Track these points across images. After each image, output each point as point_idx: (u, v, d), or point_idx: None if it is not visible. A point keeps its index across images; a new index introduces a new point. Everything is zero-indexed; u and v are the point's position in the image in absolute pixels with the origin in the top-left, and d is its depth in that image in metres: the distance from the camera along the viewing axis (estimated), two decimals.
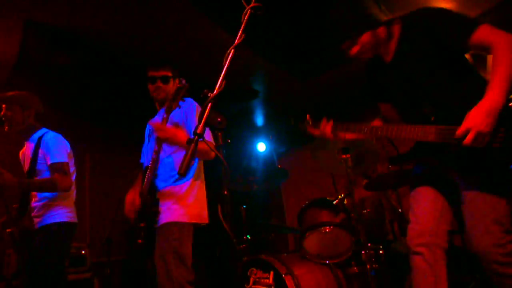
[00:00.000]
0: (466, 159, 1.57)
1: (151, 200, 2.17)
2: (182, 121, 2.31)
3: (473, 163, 1.56)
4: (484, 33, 1.54)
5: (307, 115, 2.07)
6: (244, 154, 6.18)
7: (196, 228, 2.26)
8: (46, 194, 2.54)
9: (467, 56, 1.73)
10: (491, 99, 1.45)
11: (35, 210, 2.53)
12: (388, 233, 3.52)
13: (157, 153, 2.19)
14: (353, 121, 1.95)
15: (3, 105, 2.58)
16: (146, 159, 2.48)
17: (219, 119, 0.95)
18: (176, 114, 2.33)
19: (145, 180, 2.17)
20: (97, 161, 4.95)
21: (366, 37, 1.79)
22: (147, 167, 2.24)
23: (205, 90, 1.16)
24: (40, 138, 2.59)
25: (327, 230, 2.88)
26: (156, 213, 2.19)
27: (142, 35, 3.52)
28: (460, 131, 1.50)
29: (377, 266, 2.70)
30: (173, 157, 2.32)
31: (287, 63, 4.34)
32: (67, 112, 4.53)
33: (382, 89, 1.93)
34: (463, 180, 1.68)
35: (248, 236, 3.27)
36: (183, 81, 2.16)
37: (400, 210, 3.24)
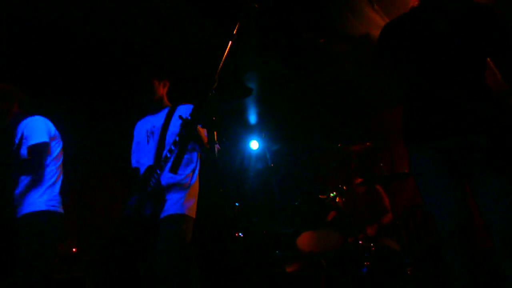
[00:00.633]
0: None
1: (156, 199, 2.22)
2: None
3: None
4: None
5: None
6: (237, 151, 6.18)
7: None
8: (24, 181, 2.42)
9: None
10: None
11: (15, 199, 2.42)
12: (380, 231, 3.55)
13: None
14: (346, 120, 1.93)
15: None
16: (146, 158, 2.47)
17: (214, 118, 0.96)
18: (174, 123, 2.38)
19: (153, 178, 2.23)
20: (88, 157, 4.91)
21: None
22: (150, 167, 2.28)
23: (201, 87, 1.16)
24: (25, 125, 2.51)
25: (319, 228, 2.90)
26: (159, 209, 2.22)
27: (133, 31, 3.49)
28: None
29: (368, 263, 2.72)
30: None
31: (282, 62, 4.34)
32: (59, 106, 4.47)
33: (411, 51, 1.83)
34: None
35: (240, 234, 3.27)
36: None
37: (390, 207, 3.27)
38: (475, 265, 1.64)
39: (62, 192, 2.55)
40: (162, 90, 2.50)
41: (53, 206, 2.41)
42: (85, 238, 4.16)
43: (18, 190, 2.44)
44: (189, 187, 2.34)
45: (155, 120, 2.50)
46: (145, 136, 2.52)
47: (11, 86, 2.64)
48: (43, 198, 2.38)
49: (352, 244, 2.78)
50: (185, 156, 2.39)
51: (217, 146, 1.34)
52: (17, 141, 2.52)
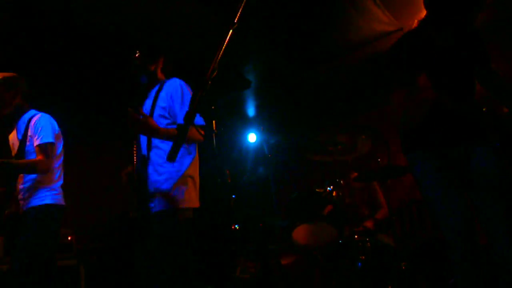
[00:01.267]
0: None
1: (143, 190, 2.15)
2: (168, 104, 2.23)
3: None
4: None
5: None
6: (235, 144, 6.17)
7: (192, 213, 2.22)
8: (31, 176, 2.49)
9: None
10: None
11: (21, 193, 2.49)
12: (375, 225, 3.56)
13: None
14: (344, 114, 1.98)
15: None
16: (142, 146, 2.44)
17: (212, 107, 0.94)
18: (161, 98, 2.28)
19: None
20: (85, 147, 4.89)
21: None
22: (143, 156, 2.22)
23: (200, 79, 1.14)
24: (30, 119, 2.53)
25: (315, 222, 2.90)
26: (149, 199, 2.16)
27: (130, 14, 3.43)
28: None
29: (363, 257, 2.73)
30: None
31: (281, 54, 4.31)
32: (56, 96, 4.45)
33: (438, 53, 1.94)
34: None
35: (236, 226, 3.28)
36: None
37: (385, 201, 3.27)
38: (481, 266, 1.74)
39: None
40: (158, 67, 2.40)
41: (58, 199, 2.53)
42: (80, 227, 4.16)
43: (25, 184, 2.50)
44: (178, 178, 2.19)
45: (148, 103, 2.40)
46: None
47: (16, 75, 2.62)
48: (50, 193, 2.49)
49: (347, 238, 2.79)
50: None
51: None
52: (20, 136, 2.53)
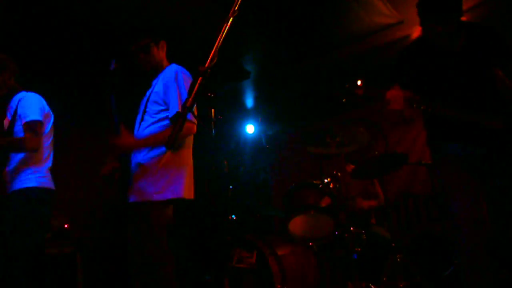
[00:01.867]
0: None
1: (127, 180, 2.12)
2: (162, 90, 2.20)
3: None
4: None
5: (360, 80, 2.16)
6: (233, 135, 6.16)
7: (179, 204, 2.13)
8: (16, 158, 2.41)
9: None
10: None
11: (7, 176, 2.40)
12: (371, 218, 3.58)
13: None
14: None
15: None
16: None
17: (209, 94, 0.93)
18: (158, 84, 2.25)
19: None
20: (82, 133, 4.87)
21: (452, 25, 1.89)
22: None
23: (199, 67, 1.12)
24: (19, 100, 2.48)
25: (312, 213, 2.91)
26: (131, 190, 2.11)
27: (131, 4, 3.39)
28: None
29: (359, 249, 2.75)
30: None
31: (280, 45, 4.28)
32: (52, 80, 4.41)
33: (427, 73, 2.01)
34: None
35: (233, 216, 3.28)
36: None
37: (382, 196, 3.29)
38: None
39: (53, 168, 2.55)
40: (162, 53, 2.36)
41: (44, 182, 2.42)
42: (77, 214, 4.16)
43: (10, 167, 2.42)
44: (158, 167, 2.10)
45: (149, 92, 2.38)
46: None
47: (9, 57, 2.57)
48: (34, 175, 2.39)
49: (343, 230, 2.80)
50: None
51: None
52: (10, 116, 2.49)
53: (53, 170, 2.59)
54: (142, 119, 2.24)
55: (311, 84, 5.16)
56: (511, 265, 1.95)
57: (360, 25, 3.85)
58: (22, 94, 2.55)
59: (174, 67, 2.26)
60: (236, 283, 2.73)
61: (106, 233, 4.46)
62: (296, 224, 2.95)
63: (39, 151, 2.44)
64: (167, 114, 2.17)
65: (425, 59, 2.03)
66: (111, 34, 3.69)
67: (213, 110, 1.16)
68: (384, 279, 2.78)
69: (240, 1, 1.28)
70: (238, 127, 6.15)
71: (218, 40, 1.12)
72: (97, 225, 3.96)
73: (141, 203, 2.07)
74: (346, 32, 3.99)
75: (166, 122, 2.18)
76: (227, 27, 1.15)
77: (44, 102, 2.56)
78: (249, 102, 5.81)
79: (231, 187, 3.43)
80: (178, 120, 1.04)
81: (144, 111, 2.26)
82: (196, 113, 1.88)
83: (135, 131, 2.29)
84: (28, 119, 2.40)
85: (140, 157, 2.16)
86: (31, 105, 2.45)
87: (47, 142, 2.54)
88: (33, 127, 2.38)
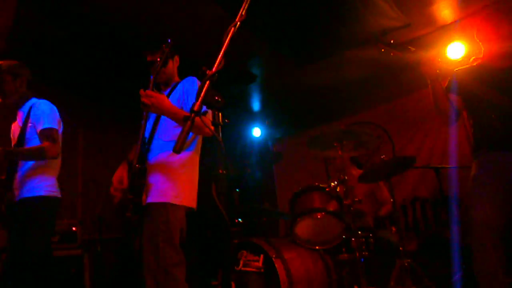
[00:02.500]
0: None
1: (140, 171, 2.08)
2: (182, 98, 2.25)
3: None
4: None
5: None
6: (239, 138, 6.17)
7: (187, 211, 2.19)
8: (25, 166, 2.44)
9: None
10: None
11: (15, 182, 2.43)
12: (379, 222, 3.56)
13: (146, 120, 2.13)
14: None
15: None
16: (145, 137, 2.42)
17: (217, 98, 0.92)
18: (176, 91, 2.30)
19: (135, 150, 2.11)
20: (90, 138, 4.91)
21: None
22: (144, 144, 2.18)
23: (203, 68, 1.14)
24: (31, 107, 2.51)
25: (319, 217, 2.89)
26: (142, 185, 2.10)
27: (139, 9, 3.43)
28: None
29: (366, 253, 2.73)
30: (169, 127, 2.24)
31: (287, 48, 4.28)
32: (61, 87, 4.46)
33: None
34: None
35: (240, 220, 3.28)
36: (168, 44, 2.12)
37: (392, 200, 3.26)
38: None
39: (61, 171, 2.59)
40: (175, 67, 2.45)
41: (51, 191, 2.46)
42: (85, 217, 4.19)
43: (18, 174, 2.44)
44: (182, 170, 2.16)
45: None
46: (150, 113, 2.46)
47: (21, 63, 2.60)
48: (42, 184, 2.42)
49: (350, 234, 2.78)
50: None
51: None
52: (20, 122, 2.52)
53: (61, 173, 2.62)
54: (157, 124, 2.26)
55: (318, 87, 5.15)
56: None
57: (367, 27, 3.84)
58: (33, 100, 2.58)
59: (194, 78, 2.35)
60: (242, 287, 2.73)
61: (113, 236, 4.49)
62: (303, 228, 2.94)
63: (54, 159, 2.46)
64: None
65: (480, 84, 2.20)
66: (115, 41, 3.73)
67: (220, 114, 1.17)
68: (392, 283, 2.75)
69: (247, 6, 1.28)
70: (244, 131, 6.16)
71: (225, 44, 1.13)
72: (104, 228, 3.98)
73: (160, 204, 2.10)
74: (352, 34, 3.98)
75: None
76: (234, 31, 1.16)
77: (56, 110, 2.59)
78: (256, 105, 5.81)
79: (237, 190, 3.43)
80: (186, 124, 1.04)
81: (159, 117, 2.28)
82: (221, 120, 1.89)
83: (149, 135, 2.31)
84: (44, 126, 2.42)
85: (161, 159, 2.19)
86: (46, 113, 2.48)
87: None
88: (51, 134, 2.41)
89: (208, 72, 1.13)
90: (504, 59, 2.17)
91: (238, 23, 1.22)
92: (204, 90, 1.07)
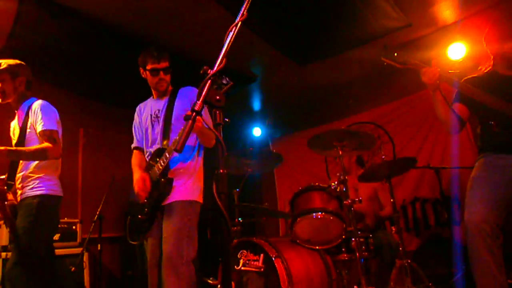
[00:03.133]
0: None
1: (165, 183, 2.24)
2: (189, 107, 2.32)
3: None
4: None
5: (395, 52, 2.34)
6: (239, 137, 6.17)
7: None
8: (28, 166, 2.46)
9: None
10: None
11: (18, 182, 2.46)
12: (379, 222, 3.56)
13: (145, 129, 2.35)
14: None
15: None
16: (151, 143, 2.48)
17: (218, 97, 0.93)
18: (182, 101, 2.40)
19: (158, 165, 2.26)
20: (90, 136, 4.91)
21: None
22: (159, 150, 2.32)
23: (204, 67, 1.14)
24: (30, 106, 2.51)
25: (319, 217, 2.89)
26: (167, 193, 2.26)
27: (141, 9, 3.43)
28: None
29: (366, 253, 2.73)
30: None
31: (287, 48, 4.28)
32: (61, 86, 4.46)
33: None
34: None
35: (240, 219, 3.28)
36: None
37: (392, 200, 3.26)
38: None
39: (63, 171, 2.63)
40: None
41: (54, 190, 2.49)
42: (86, 216, 4.19)
43: (22, 174, 2.47)
44: (195, 171, 2.38)
45: (159, 105, 2.48)
46: (150, 121, 2.50)
47: (21, 63, 2.60)
48: (46, 183, 2.46)
49: (350, 234, 2.78)
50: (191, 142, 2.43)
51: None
52: (20, 123, 2.52)
53: (62, 172, 2.64)
54: (165, 130, 2.36)
55: (318, 87, 5.15)
56: None
57: (368, 27, 3.83)
58: (32, 101, 2.58)
59: (191, 88, 2.48)
60: (242, 286, 2.73)
61: (113, 235, 4.49)
62: (303, 228, 2.93)
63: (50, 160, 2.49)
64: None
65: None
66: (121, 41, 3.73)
67: (218, 112, 1.17)
68: (392, 283, 2.75)
69: (248, 5, 1.28)
70: (245, 130, 6.16)
71: (227, 44, 1.13)
72: (105, 226, 3.99)
73: (186, 201, 2.27)
74: (354, 34, 3.98)
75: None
76: (235, 31, 1.16)
77: (55, 110, 2.60)
78: (256, 105, 5.82)
79: (237, 189, 3.43)
80: (187, 123, 1.04)
81: (168, 123, 2.38)
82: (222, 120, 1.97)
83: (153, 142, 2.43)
84: (44, 128, 2.43)
85: (180, 160, 2.35)
86: (46, 114, 2.48)
87: None
88: (51, 136, 2.43)
89: (209, 71, 1.13)
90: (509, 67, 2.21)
91: (240, 22, 1.22)
92: (205, 90, 1.07)
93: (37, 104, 2.53)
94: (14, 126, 2.63)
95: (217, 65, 1.13)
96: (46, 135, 2.42)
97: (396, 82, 4.68)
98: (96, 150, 4.87)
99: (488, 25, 2.30)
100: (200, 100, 1.07)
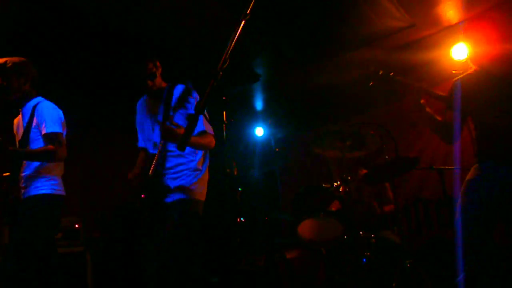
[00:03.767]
0: None
1: (164, 182, 2.25)
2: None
3: None
4: None
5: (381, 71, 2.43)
6: (242, 137, 6.17)
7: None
8: (32, 165, 2.47)
9: None
10: None
11: (22, 181, 2.47)
12: (382, 223, 3.55)
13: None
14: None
15: None
16: (149, 144, 2.48)
17: (224, 98, 0.93)
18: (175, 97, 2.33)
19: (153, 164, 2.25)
20: (92, 136, 4.92)
21: None
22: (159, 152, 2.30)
23: (211, 69, 1.13)
24: (35, 106, 2.50)
25: (321, 217, 2.89)
26: (168, 192, 2.25)
27: (143, 8, 3.43)
28: None
29: (368, 254, 2.73)
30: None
31: (291, 48, 4.28)
32: (62, 85, 4.46)
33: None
34: None
35: (242, 219, 3.29)
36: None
37: (393, 200, 3.26)
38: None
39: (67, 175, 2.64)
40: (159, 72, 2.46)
41: (57, 189, 2.50)
42: (87, 215, 4.20)
43: (25, 173, 2.47)
44: (198, 171, 2.36)
45: (156, 106, 2.44)
46: (150, 121, 2.49)
47: (26, 61, 2.58)
48: (49, 183, 2.47)
49: (353, 234, 2.78)
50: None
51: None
52: (25, 123, 2.51)
53: (65, 172, 2.64)
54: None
55: (321, 87, 5.14)
56: None
57: (371, 28, 3.83)
58: (37, 100, 2.57)
59: (181, 86, 2.40)
60: (244, 286, 2.73)
61: (115, 233, 4.50)
62: (305, 228, 2.94)
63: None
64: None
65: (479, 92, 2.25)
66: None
67: (224, 112, 1.17)
68: (394, 284, 2.75)
69: (252, 5, 1.28)
70: (247, 130, 6.16)
71: (230, 43, 1.13)
72: (107, 225, 4.01)
73: (189, 200, 2.25)
74: (357, 35, 3.97)
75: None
76: (239, 30, 1.16)
77: (61, 112, 2.59)
78: (259, 105, 5.82)
79: (240, 189, 3.43)
80: (190, 122, 1.04)
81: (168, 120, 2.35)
82: (208, 117, 1.98)
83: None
84: (48, 130, 2.43)
85: (182, 158, 2.33)
86: (50, 116, 2.48)
87: None
88: (56, 138, 2.43)
89: (212, 70, 1.13)
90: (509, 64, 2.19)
91: (243, 22, 1.22)
92: (208, 89, 1.07)
93: (42, 105, 2.52)
94: (18, 124, 2.63)
95: (220, 64, 1.13)
96: (51, 138, 2.42)
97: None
98: (98, 149, 4.89)
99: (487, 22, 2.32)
100: (203, 99, 1.07)
